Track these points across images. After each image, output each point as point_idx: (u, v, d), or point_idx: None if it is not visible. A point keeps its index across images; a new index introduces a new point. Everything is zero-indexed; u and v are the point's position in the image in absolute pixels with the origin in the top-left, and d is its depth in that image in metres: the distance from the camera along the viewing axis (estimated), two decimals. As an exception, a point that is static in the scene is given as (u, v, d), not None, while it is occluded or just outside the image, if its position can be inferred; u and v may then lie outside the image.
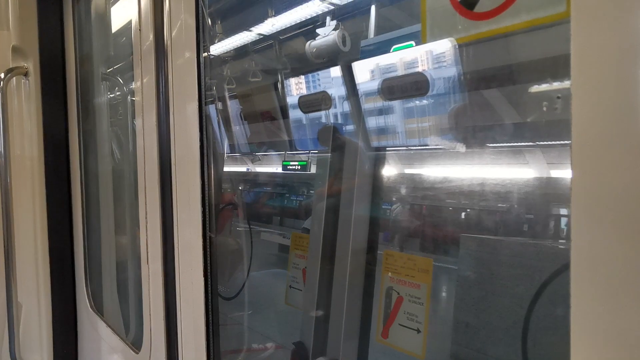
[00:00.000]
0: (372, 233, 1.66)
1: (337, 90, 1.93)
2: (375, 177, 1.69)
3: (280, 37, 2.35)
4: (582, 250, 0.49)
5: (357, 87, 1.83)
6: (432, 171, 1.58)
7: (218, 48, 2.34)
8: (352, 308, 1.63)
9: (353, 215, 1.65)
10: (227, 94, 2.41)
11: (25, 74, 2.01)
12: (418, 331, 1.37)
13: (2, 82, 1.93)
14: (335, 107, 1.97)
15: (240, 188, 2.73)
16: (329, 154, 1.81)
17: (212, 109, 1.88)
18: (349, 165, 1.74)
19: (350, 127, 1.90)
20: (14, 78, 2.02)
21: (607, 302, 0.47)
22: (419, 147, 1.69)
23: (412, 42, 1.50)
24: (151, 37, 1.32)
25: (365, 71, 1.80)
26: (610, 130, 0.46)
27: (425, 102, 1.57)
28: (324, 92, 2.00)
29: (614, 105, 0.45)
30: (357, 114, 1.84)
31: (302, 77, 2.22)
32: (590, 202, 0.48)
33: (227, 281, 2.11)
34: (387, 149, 1.74)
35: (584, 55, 0.48)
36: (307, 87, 2.19)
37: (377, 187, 1.68)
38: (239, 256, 2.21)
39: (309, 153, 2.68)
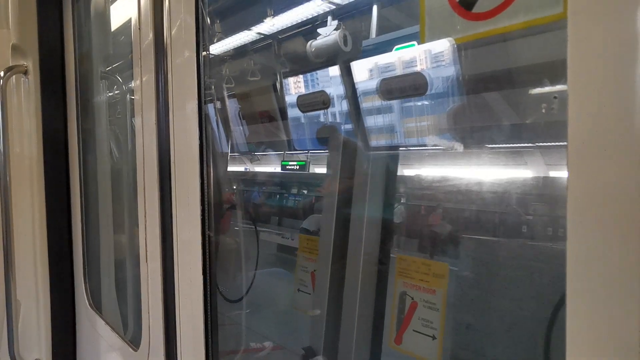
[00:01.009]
0: (385, 235, 1.63)
1: (344, 89, 1.91)
2: (387, 178, 1.66)
3: (282, 37, 2.35)
4: (578, 250, 0.49)
5: (366, 87, 1.80)
6: (445, 171, 1.54)
7: (218, 47, 2.34)
8: (364, 312, 1.60)
9: (365, 217, 1.61)
10: (225, 94, 2.41)
11: (25, 73, 2.01)
12: (433, 338, 1.34)
13: (1, 81, 1.93)
14: (341, 107, 1.96)
15: (241, 188, 2.73)
16: (340, 154, 1.78)
17: (212, 108, 1.88)
18: (359, 166, 1.71)
19: (365, 127, 1.86)
20: (14, 76, 2.02)
21: (603, 301, 0.47)
22: (430, 148, 1.64)
23: (414, 42, 1.49)
24: (151, 35, 1.32)
25: (370, 70, 1.78)
26: (607, 132, 0.46)
27: (433, 101, 1.55)
28: (325, 92, 1.99)
29: (611, 106, 0.46)
30: (363, 113, 1.82)
31: (306, 76, 2.21)
32: (587, 203, 0.48)
33: (231, 282, 2.08)
34: (400, 148, 1.71)
35: (581, 57, 0.48)
36: (312, 87, 2.18)
37: (388, 188, 1.64)
38: (244, 257, 2.19)
39: (307, 153, 2.68)
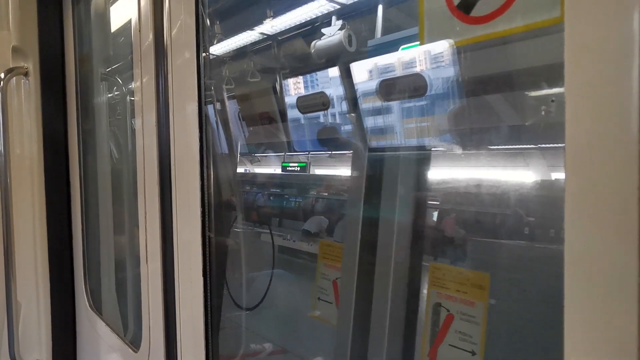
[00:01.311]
0: (415, 242, 1.52)
1: (364, 88, 1.84)
2: (418, 181, 1.55)
3: (282, 38, 2.35)
4: (575, 251, 0.49)
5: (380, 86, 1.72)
6: (483, 174, 1.38)
7: (218, 48, 2.34)
8: (394, 324, 1.51)
9: (395, 222, 1.52)
10: (225, 95, 2.40)
11: (25, 74, 2.02)
12: (473, 353, 1.23)
13: (2, 82, 1.94)
14: (340, 107, 1.92)
15: (240, 189, 2.72)
16: (365, 157, 1.70)
17: (212, 110, 1.86)
18: (388, 169, 1.63)
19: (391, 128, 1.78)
20: (14, 78, 2.03)
21: (601, 302, 0.47)
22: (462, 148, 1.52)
23: (419, 43, 1.46)
24: (151, 37, 1.33)
25: (370, 71, 1.74)
26: (604, 133, 0.46)
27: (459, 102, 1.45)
28: (324, 93, 1.98)
29: (608, 108, 0.46)
30: (392, 114, 1.74)
31: (306, 77, 2.19)
32: (584, 204, 0.48)
33: (242, 288, 2.04)
34: (433, 149, 1.59)
35: (578, 59, 0.48)
36: (314, 89, 2.16)
37: (419, 192, 1.53)
38: (257, 261, 2.14)
39: (308, 154, 2.68)
